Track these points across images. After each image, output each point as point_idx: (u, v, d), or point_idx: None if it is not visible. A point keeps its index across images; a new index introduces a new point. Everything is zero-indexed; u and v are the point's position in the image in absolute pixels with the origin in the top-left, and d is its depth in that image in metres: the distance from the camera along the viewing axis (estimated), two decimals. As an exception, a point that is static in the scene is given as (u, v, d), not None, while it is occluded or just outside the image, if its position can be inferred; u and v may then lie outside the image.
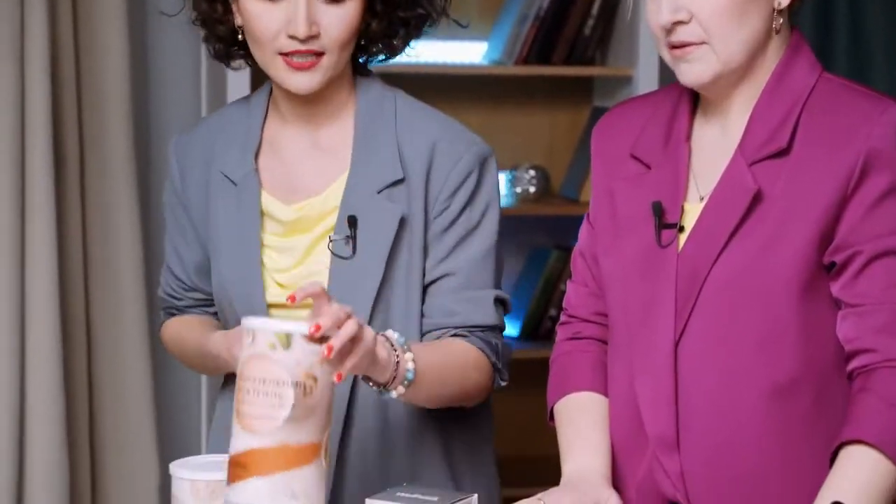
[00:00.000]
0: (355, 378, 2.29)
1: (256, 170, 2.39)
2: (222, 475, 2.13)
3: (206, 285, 2.46)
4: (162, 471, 3.58)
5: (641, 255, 2.08)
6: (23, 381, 3.33)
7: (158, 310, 2.59)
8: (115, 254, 3.55)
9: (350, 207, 2.32)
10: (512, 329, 4.49)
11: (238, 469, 1.85)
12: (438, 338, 2.33)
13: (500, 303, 2.36)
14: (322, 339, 1.91)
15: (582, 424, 2.13)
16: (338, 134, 2.38)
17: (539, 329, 4.50)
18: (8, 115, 3.30)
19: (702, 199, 2.08)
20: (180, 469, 2.16)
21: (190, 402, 3.90)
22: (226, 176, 2.39)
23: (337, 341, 1.92)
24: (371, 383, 2.13)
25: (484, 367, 2.32)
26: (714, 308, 2.01)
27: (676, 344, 2.03)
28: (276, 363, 1.85)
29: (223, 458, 2.21)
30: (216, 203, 2.41)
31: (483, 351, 2.31)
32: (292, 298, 1.98)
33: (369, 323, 2.27)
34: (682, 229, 2.06)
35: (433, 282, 2.34)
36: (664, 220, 2.07)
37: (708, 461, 2.00)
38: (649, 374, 2.04)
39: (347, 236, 2.31)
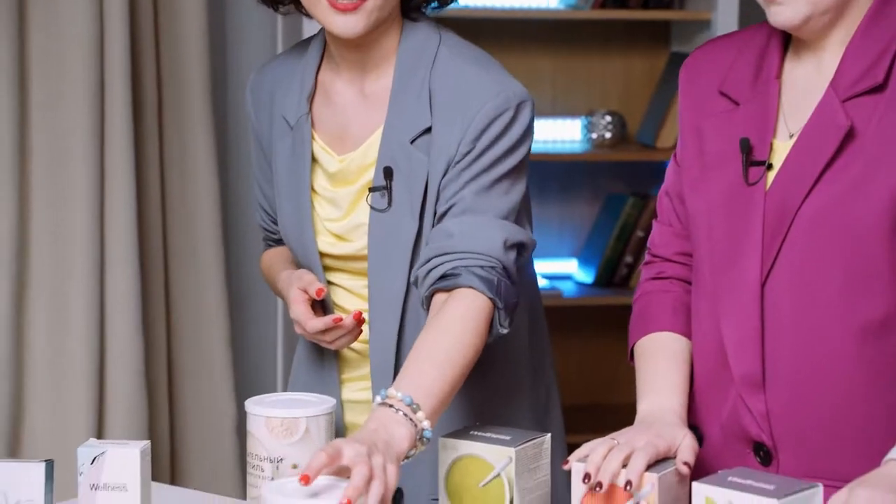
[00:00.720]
0: (402, 324, 2.30)
1: (310, 115, 2.37)
2: (298, 412, 2.15)
3: None
4: (238, 409, 3.61)
5: (728, 193, 2.05)
6: (102, 320, 3.36)
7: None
8: (192, 194, 3.57)
9: (386, 159, 2.29)
10: (587, 276, 4.48)
11: None
12: (432, 289, 2.22)
13: (515, 246, 2.24)
14: None
15: (661, 364, 2.11)
16: (382, 82, 2.33)
17: (614, 276, 4.48)
18: (88, 58, 3.32)
19: (791, 136, 2.04)
20: (256, 406, 2.17)
21: (266, 340, 3.92)
22: (284, 118, 2.39)
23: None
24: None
25: (482, 322, 2.17)
26: (802, 247, 1.98)
27: (763, 283, 2.00)
28: None
29: (299, 396, 2.22)
30: (277, 144, 2.40)
31: (482, 292, 2.17)
32: (305, 480, 1.85)
33: (408, 278, 2.28)
34: (770, 167, 2.04)
35: (441, 216, 2.26)
36: (752, 158, 2.04)
37: (794, 401, 1.98)
38: (735, 313, 2.02)
39: (384, 188, 2.29)
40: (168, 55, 3.52)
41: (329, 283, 2.39)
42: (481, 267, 2.19)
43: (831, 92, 2.00)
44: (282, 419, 2.13)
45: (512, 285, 2.21)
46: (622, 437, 1.96)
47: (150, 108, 3.48)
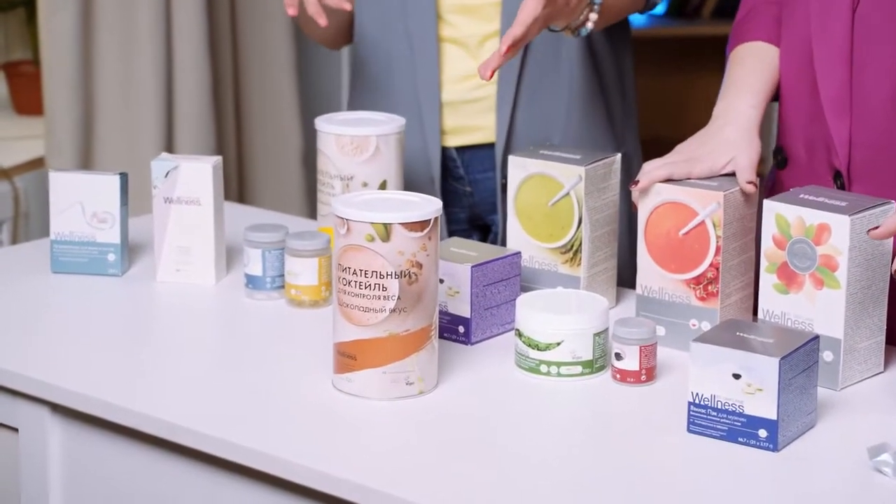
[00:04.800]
0: (526, 50, 2.27)
1: None
2: (368, 130, 2.15)
3: None
4: (304, 133, 3.63)
5: None
6: (169, 41, 3.35)
7: None
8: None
9: None
10: (659, 6, 4.41)
11: (346, 359, 1.75)
12: None
13: None
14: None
15: (747, 68, 2.04)
16: None
17: (686, 5, 4.41)
18: None
19: None
20: (326, 124, 2.18)
21: (331, 63, 3.90)
22: None
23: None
24: (565, 30, 2.10)
25: None
26: None
27: (854, 9, 1.93)
28: (377, 255, 1.71)
29: (367, 115, 2.23)
30: None
31: None
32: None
33: None
34: None
35: None
36: None
37: (877, 130, 1.94)
38: (826, 34, 1.95)
39: None
40: None
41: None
42: None
43: None
44: (352, 137, 2.14)
45: None
46: (678, 169, 1.93)
47: None
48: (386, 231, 1.71)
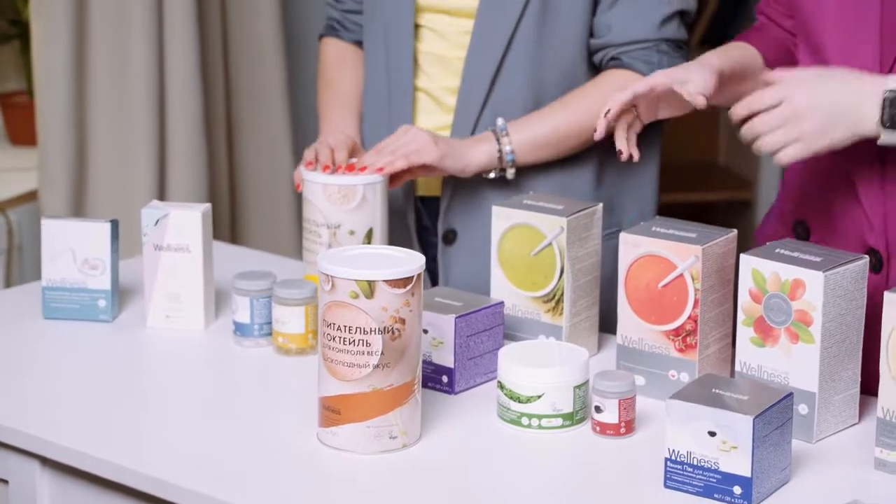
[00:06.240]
0: (498, 68, 2.31)
1: None
2: (354, 179, 2.19)
3: None
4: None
5: None
6: (162, 69, 3.37)
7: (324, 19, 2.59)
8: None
9: None
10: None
11: (331, 414, 1.77)
12: (600, 65, 2.31)
13: (678, 15, 2.28)
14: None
15: (723, 48, 2.08)
16: None
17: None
18: None
19: None
20: (313, 173, 2.21)
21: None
22: None
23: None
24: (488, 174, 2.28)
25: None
26: None
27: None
28: (361, 312, 1.74)
29: (356, 160, 2.26)
30: None
31: (635, 71, 2.26)
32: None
33: (519, 18, 2.27)
34: None
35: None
36: None
37: None
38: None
39: None
40: None
41: (417, 26, 2.37)
42: (643, 50, 2.26)
43: None
44: (339, 186, 2.18)
45: (681, 54, 2.28)
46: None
47: None
48: (370, 288, 1.74)
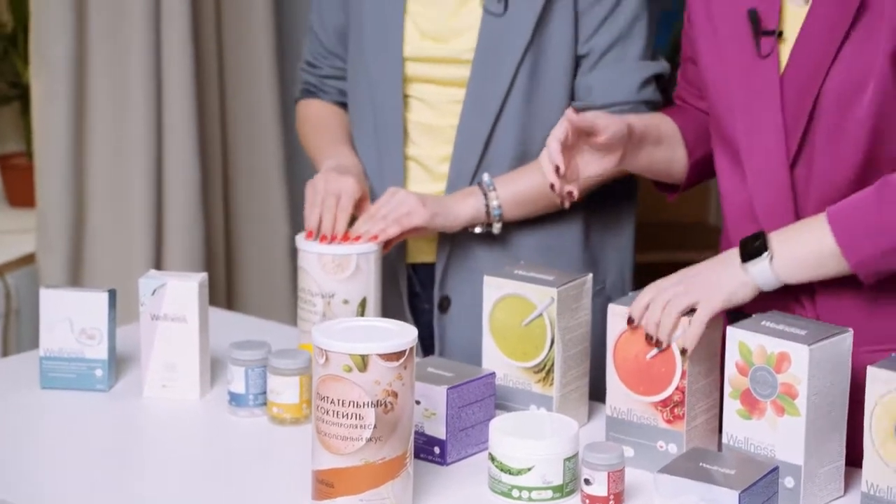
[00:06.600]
0: (491, 134, 2.35)
1: None
2: (349, 249, 2.22)
3: (344, 52, 2.50)
4: (293, 239, 3.67)
5: (742, 67, 1.99)
6: (160, 131, 3.39)
7: (298, 84, 2.62)
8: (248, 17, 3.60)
9: None
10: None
11: (324, 486, 1.79)
12: None
13: (655, 78, 2.35)
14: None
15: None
16: None
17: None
18: None
19: (806, 0, 1.97)
20: (308, 243, 2.25)
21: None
22: None
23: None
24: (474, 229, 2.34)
25: None
26: (828, 125, 1.92)
27: (792, 166, 1.97)
28: (354, 385, 1.77)
29: (351, 230, 2.29)
30: None
31: None
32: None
33: (510, 86, 2.31)
34: (781, 35, 1.97)
35: (581, 57, 2.34)
36: (761, 28, 1.97)
37: (836, 282, 1.94)
38: (766, 193, 1.98)
39: None
40: None
41: (406, 96, 2.41)
42: (622, 112, 2.28)
43: None
44: (333, 256, 2.21)
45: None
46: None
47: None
48: (363, 362, 1.77)
